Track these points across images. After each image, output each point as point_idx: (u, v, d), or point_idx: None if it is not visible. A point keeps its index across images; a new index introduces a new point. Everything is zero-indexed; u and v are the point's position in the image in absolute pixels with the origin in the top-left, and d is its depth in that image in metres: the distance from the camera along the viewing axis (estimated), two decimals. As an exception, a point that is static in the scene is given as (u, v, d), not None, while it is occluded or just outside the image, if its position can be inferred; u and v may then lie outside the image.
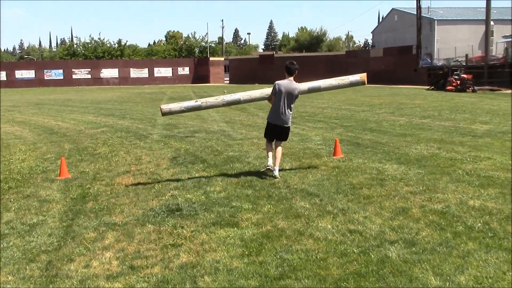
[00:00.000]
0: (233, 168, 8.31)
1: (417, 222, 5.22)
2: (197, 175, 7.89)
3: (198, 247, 4.75)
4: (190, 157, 9.48)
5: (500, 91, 30.16)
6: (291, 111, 7.58)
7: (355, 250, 4.48)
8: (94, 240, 5.07)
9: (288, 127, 7.67)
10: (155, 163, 9.03)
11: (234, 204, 6.08)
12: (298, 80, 7.64)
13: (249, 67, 62.98)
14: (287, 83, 7.45)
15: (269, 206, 5.96)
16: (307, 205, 5.94)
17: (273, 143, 7.75)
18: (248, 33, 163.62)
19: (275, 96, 7.48)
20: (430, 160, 8.45)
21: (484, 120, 14.14)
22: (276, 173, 7.41)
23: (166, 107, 7.53)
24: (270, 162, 7.48)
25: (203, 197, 6.54)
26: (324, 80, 7.94)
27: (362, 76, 7.70)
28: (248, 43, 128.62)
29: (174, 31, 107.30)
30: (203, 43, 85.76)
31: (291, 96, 7.46)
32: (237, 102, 7.72)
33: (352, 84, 7.77)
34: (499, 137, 10.83)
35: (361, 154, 9.15)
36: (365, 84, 7.74)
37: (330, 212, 5.64)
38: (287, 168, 8.14)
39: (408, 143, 10.26)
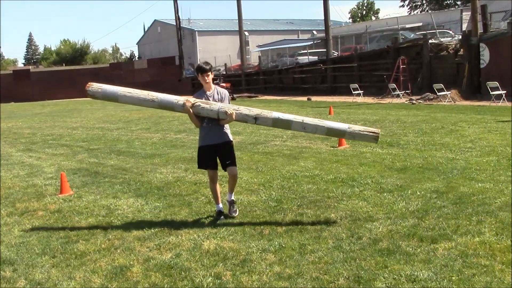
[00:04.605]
0: None
1: (134, 288, 3.99)
2: None
3: None
4: None
5: (256, 98, 31.77)
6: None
7: None
8: None
9: None
10: None
11: None
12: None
13: (1, 84, 56.01)
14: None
15: None
16: (-11, 285, 4.25)
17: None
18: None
19: None
20: (173, 186, 7.41)
21: (237, 130, 13.93)
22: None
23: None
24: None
25: None
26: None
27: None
28: (3, 58, 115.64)
29: None
30: None
31: None
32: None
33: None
34: (249, 149, 10.46)
35: (96, 188, 7.68)
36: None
37: (19, 292, 4.06)
38: (-10, 220, 6.23)
39: (155, 166, 9.14)
